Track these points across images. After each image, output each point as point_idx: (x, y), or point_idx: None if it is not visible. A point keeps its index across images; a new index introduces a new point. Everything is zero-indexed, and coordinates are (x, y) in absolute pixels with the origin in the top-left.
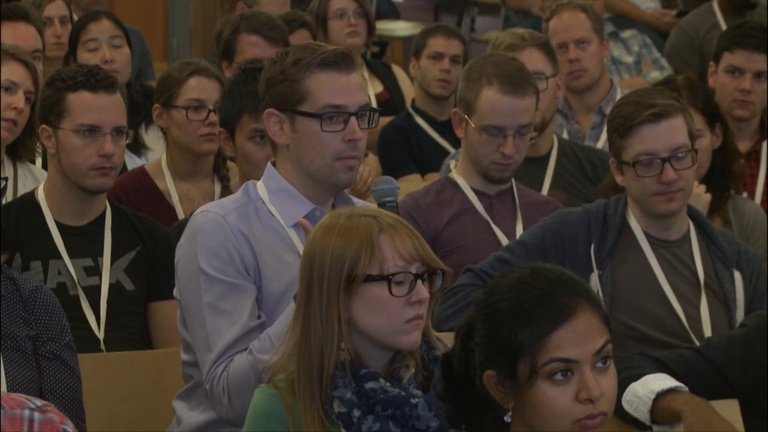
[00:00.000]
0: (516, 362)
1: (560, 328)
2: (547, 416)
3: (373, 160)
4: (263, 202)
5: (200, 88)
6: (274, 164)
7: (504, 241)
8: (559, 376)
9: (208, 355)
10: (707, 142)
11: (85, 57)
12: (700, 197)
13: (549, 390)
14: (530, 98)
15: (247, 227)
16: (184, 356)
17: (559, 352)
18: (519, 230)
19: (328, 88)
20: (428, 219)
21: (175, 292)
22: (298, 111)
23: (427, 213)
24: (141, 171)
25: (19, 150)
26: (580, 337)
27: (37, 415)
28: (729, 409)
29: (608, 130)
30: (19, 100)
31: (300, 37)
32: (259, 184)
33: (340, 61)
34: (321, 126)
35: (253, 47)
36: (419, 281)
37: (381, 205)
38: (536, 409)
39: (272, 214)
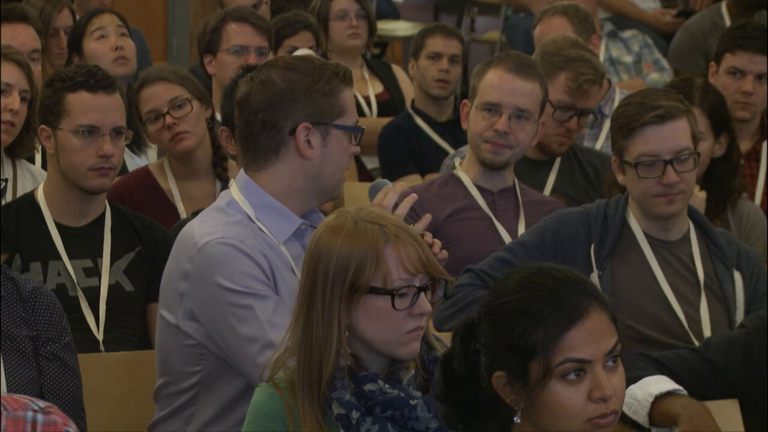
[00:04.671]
0: (528, 363)
1: (573, 328)
2: (559, 416)
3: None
4: (249, 218)
5: (152, 98)
6: (247, 176)
7: (506, 237)
8: (572, 376)
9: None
10: (707, 146)
11: (92, 47)
12: (696, 196)
13: (562, 390)
14: (533, 84)
15: (262, 246)
16: (160, 380)
17: (573, 352)
18: (521, 228)
19: (353, 103)
20: (428, 211)
21: (177, 321)
22: (336, 125)
23: (428, 205)
24: (144, 170)
25: (18, 148)
26: (593, 336)
27: (40, 416)
28: (729, 410)
29: (611, 129)
30: (14, 101)
31: (303, 39)
32: (239, 198)
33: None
34: (350, 140)
35: (240, 35)
36: (422, 294)
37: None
38: (549, 409)
39: (262, 230)
